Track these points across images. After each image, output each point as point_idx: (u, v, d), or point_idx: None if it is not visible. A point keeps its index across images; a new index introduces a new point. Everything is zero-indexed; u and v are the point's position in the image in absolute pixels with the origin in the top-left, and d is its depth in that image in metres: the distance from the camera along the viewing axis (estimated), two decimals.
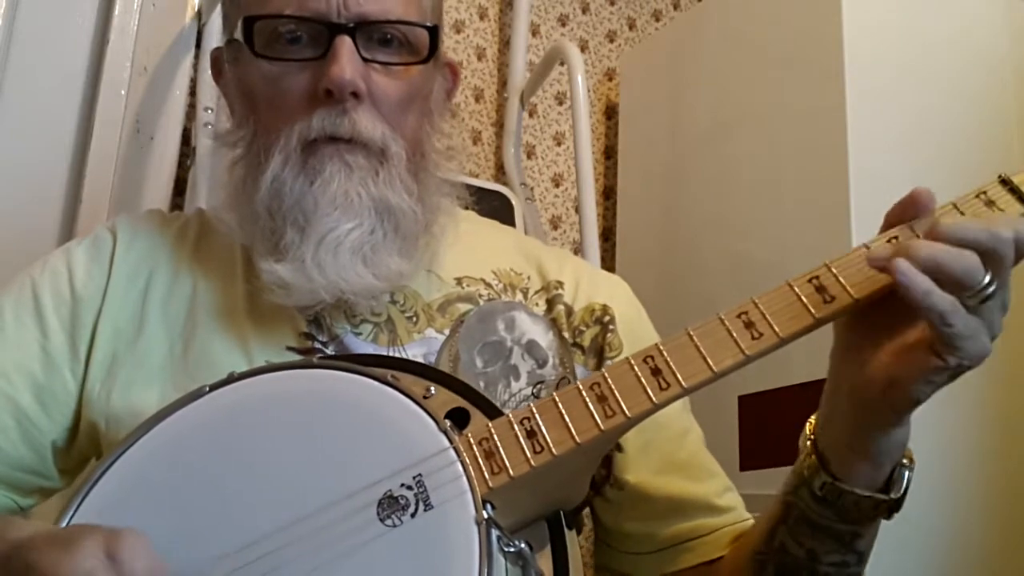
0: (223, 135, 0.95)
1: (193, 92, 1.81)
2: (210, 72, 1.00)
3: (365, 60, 0.87)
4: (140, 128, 1.78)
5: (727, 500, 0.97)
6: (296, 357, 0.89)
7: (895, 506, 0.78)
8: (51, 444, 0.89)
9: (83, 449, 0.91)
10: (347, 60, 0.85)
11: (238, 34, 0.90)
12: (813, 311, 0.73)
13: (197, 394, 0.77)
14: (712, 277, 1.94)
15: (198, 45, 1.84)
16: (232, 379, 0.77)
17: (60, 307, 0.91)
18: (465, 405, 0.75)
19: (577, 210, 2.13)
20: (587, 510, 1.00)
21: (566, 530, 0.74)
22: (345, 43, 0.85)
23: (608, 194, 2.42)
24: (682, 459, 0.97)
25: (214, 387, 0.77)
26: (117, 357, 0.89)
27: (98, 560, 0.61)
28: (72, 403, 0.89)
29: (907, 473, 0.78)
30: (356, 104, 0.86)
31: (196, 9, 1.85)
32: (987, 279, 0.68)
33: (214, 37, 1.73)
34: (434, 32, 0.91)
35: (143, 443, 0.75)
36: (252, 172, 0.89)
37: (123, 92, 1.76)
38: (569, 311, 0.98)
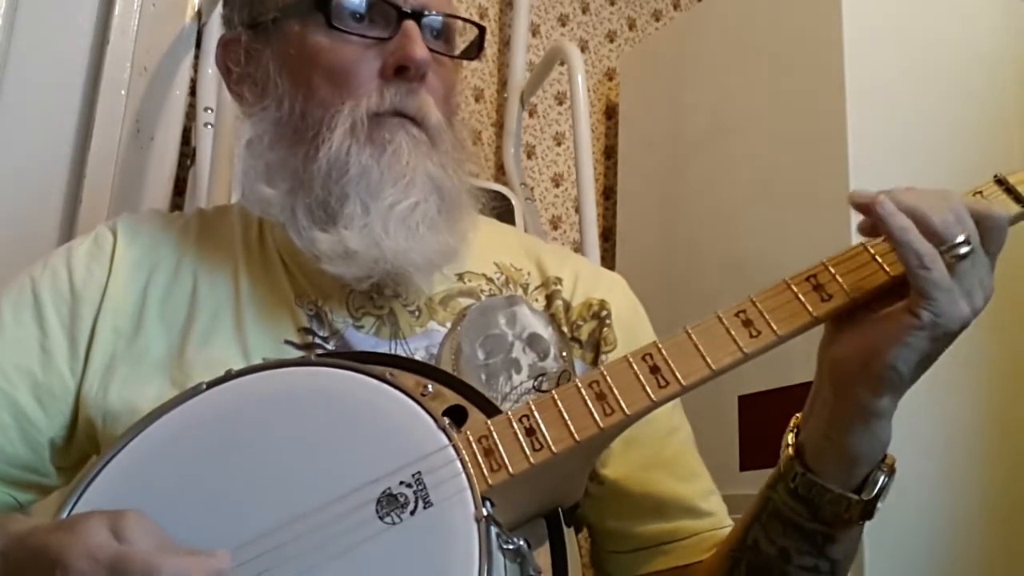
0: (256, 111, 0.93)
1: (193, 92, 1.81)
2: (215, 62, 0.99)
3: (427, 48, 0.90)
4: (140, 128, 1.78)
5: (710, 504, 0.97)
6: (294, 352, 0.89)
7: (867, 510, 0.77)
8: (49, 442, 0.89)
9: (81, 447, 0.91)
10: (420, 41, 0.89)
11: (295, 9, 0.91)
12: (811, 309, 0.74)
13: (194, 391, 0.77)
14: (712, 277, 1.94)
15: (198, 45, 1.84)
16: (229, 376, 0.77)
17: (60, 305, 0.91)
18: (463, 403, 0.75)
19: (577, 210, 2.13)
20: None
21: (564, 527, 0.75)
22: (414, 27, 0.89)
23: (608, 194, 2.41)
24: (667, 457, 0.97)
25: (211, 384, 0.77)
26: (116, 355, 0.89)
27: (105, 538, 0.62)
28: (70, 400, 0.89)
29: (883, 478, 0.77)
30: (421, 86, 0.90)
31: (196, 9, 1.85)
32: (962, 238, 0.70)
33: (214, 37, 1.73)
34: (483, 32, 0.97)
35: (140, 440, 0.75)
36: (304, 145, 0.89)
37: (123, 92, 1.76)
38: (567, 306, 0.99)
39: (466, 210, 0.93)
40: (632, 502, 0.95)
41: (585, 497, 0.95)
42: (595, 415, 0.72)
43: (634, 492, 0.95)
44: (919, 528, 1.52)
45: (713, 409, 1.78)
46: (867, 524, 0.80)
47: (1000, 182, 0.78)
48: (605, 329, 0.98)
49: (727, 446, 1.77)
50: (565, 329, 0.97)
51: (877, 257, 0.75)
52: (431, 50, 0.90)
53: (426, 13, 0.91)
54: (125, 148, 1.75)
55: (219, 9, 1.72)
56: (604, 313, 0.99)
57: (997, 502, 1.60)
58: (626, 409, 0.72)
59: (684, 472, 0.98)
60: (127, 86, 1.76)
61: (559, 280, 1.00)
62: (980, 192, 0.78)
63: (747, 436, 1.76)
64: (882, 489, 0.77)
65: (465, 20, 0.97)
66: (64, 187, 1.72)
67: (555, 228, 2.31)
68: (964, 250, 0.70)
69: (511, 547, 0.67)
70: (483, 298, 0.96)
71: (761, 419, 1.73)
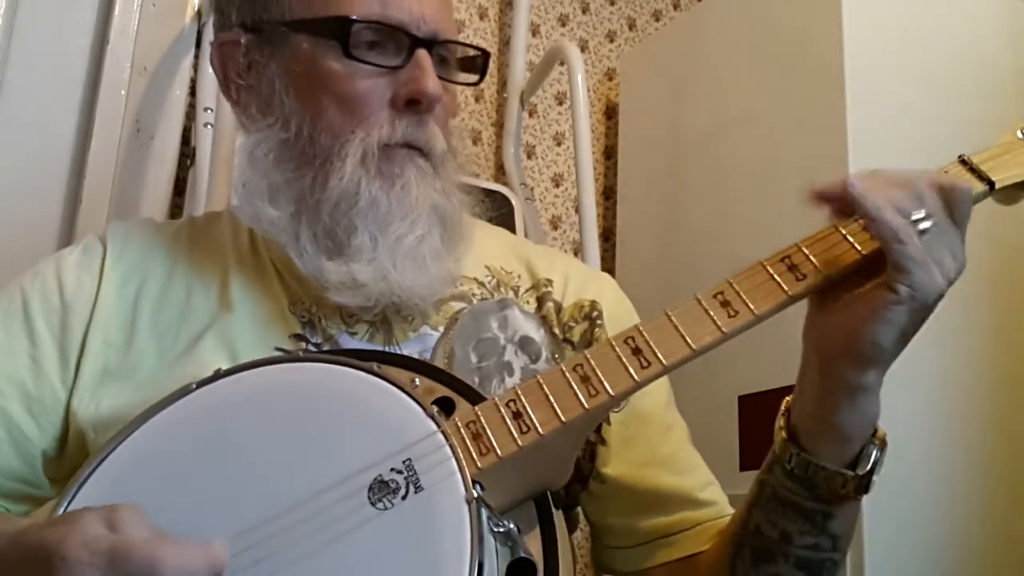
0: (262, 127, 0.92)
1: (193, 92, 1.82)
2: (212, 63, 0.98)
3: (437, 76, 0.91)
4: (140, 128, 1.78)
5: (709, 494, 0.97)
6: None
7: (863, 485, 0.79)
8: (41, 454, 0.89)
9: (73, 458, 0.90)
10: (432, 73, 0.89)
11: (302, 29, 0.90)
12: (786, 288, 0.76)
13: (184, 391, 0.77)
14: (712, 277, 1.92)
15: (198, 45, 1.84)
16: (218, 375, 0.78)
17: (50, 316, 0.91)
18: (450, 394, 0.76)
19: (577, 210, 2.13)
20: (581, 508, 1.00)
21: (554, 510, 0.75)
22: (427, 57, 0.89)
23: (608, 194, 2.42)
24: (665, 453, 0.98)
25: (200, 384, 0.77)
26: (107, 367, 0.89)
27: (101, 530, 0.62)
28: (61, 412, 0.89)
29: (875, 452, 0.79)
30: (430, 117, 0.90)
31: (196, 9, 1.86)
32: (922, 213, 0.73)
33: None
34: (488, 56, 0.98)
35: (131, 441, 0.75)
36: (312, 169, 0.89)
37: (123, 92, 1.76)
38: (558, 308, 0.99)
39: (465, 231, 0.95)
40: (633, 498, 0.96)
41: (587, 495, 0.97)
42: (580, 397, 0.73)
43: (634, 488, 0.96)
44: (921, 529, 1.52)
45: (713, 409, 1.78)
46: (866, 521, 0.81)
47: (964, 162, 0.83)
48: (597, 330, 0.99)
49: (727, 446, 1.77)
50: (557, 331, 0.98)
51: (848, 237, 0.77)
52: (442, 77, 0.91)
53: (437, 40, 0.91)
54: (125, 148, 1.75)
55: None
56: (595, 314, 0.99)
57: (1000, 504, 1.59)
58: (610, 390, 0.73)
59: (681, 466, 0.98)
60: (127, 86, 1.77)
61: (549, 282, 1.01)
62: (946, 171, 0.82)
63: (747, 436, 1.76)
64: (876, 463, 0.78)
65: (473, 47, 0.97)
66: (64, 187, 1.72)
67: (555, 228, 2.31)
68: (925, 225, 0.73)
69: (501, 530, 0.68)
70: (475, 302, 0.96)
71: (761, 419, 1.72)
